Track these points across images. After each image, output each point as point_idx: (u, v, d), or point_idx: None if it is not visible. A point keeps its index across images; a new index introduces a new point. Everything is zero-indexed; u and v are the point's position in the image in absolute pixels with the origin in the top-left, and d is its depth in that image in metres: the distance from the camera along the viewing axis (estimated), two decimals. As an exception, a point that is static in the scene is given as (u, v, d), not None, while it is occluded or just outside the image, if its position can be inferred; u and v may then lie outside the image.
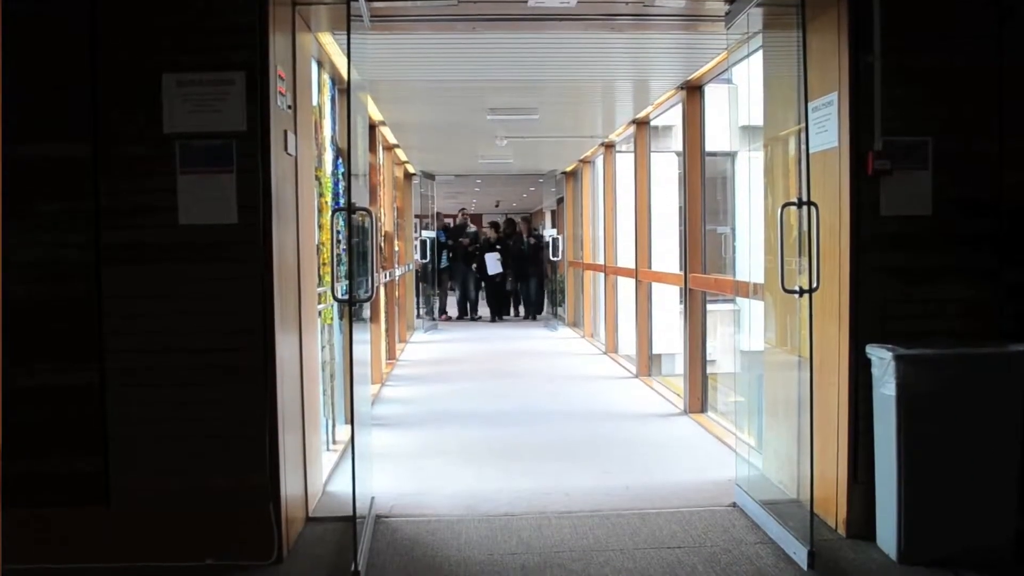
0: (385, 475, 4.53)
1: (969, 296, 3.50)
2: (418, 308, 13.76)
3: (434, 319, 12.66)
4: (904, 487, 3.27)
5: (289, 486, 3.46)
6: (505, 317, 13.45)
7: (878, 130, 3.44)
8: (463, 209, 14.54)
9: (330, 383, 5.16)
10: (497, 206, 14.02)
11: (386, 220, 9.12)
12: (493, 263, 13.01)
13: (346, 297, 3.49)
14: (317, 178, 4.72)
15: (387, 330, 8.92)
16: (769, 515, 3.65)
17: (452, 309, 13.77)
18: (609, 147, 9.46)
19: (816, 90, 3.65)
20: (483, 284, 13.49)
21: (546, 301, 13.75)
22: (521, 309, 13.75)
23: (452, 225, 14.05)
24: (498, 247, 13.06)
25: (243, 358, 3.26)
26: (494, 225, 13.31)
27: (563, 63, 5.57)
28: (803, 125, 3.48)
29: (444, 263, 13.10)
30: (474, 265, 13.27)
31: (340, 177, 5.45)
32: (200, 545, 3.27)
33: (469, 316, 13.39)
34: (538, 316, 13.12)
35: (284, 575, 3.25)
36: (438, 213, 13.80)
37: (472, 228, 14.05)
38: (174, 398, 3.27)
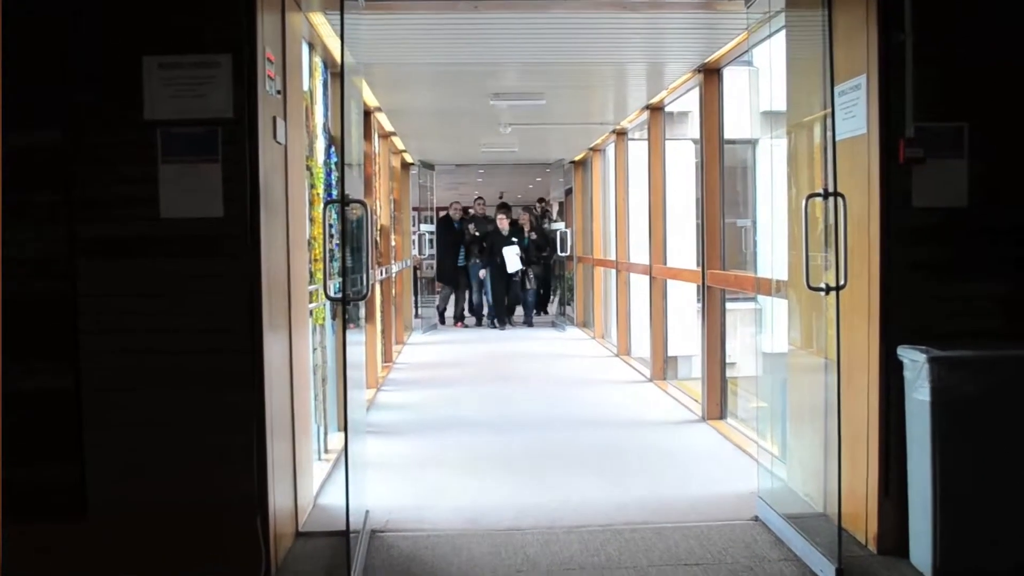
0: (381, 486, 4.52)
1: (1009, 293, 3.49)
2: (417, 308, 13.77)
3: (434, 325, 12.42)
4: (940, 499, 3.25)
5: (278, 498, 3.46)
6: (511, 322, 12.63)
7: (910, 115, 3.43)
8: (479, 198, 13.28)
9: (322, 388, 5.16)
10: (501, 198, 13.88)
11: (382, 213, 9.13)
12: (513, 258, 12.00)
13: (339, 295, 3.48)
14: (308, 168, 4.72)
15: (383, 331, 8.93)
16: (794, 530, 3.64)
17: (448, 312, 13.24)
18: (621, 134, 9.45)
19: (843, 72, 3.63)
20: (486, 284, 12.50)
21: (554, 300, 13.71)
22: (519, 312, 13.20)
23: (472, 213, 13.07)
24: (515, 240, 12.10)
25: (229, 361, 3.26)
26: (506, 213, 12.31)
27: (572, 44, 5.56)
28: (829, 110, 3.47)
29: (461, 260, 12.42)
30: (484, 261, 12.38)
31: (333, 167, 5.45)
32: (182, 560, 3.27)
33: (490, 322, 12.50)
34: (532, 323, 12.39)
35: (273, 593, 3.26)
36: (465, 206, 13.24)
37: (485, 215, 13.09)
38: (155, 402, 3.27)
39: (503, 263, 11.98)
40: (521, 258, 12.07)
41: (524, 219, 12.49)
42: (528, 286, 12.39)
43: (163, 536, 3.27)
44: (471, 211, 13.12)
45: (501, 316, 12.16)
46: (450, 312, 12.86)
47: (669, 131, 8.11)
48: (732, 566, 3.46)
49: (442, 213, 13.40)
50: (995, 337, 3.45)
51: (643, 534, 3.81)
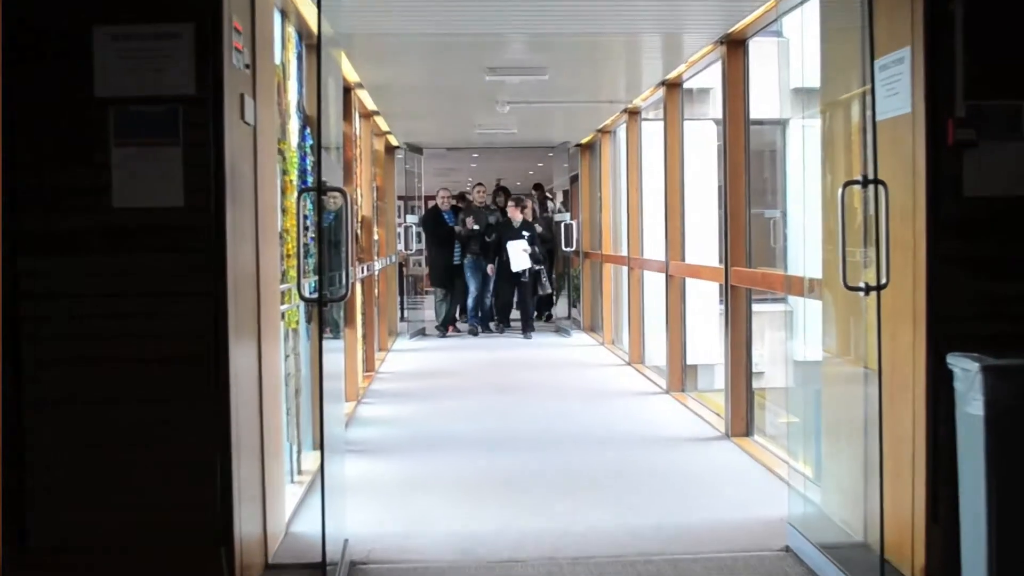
0: (362, 512, 4.52)
1: (1072, 294, 3.48)
2: (403, 310, 13.77)
3: (423, 333, 12.13)
4: (996, 526, 3.24)
5: (244, 525, 3.45)
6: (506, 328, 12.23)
7: (960, 92, 3.42)
8: (479, 184, 12.69)
9: (295, 401, 5.16)
10: (498, 186, 13.78)
11: (364, 203, 9.13)
12: (518, 255, 11.48)
13: (315, 296, 3.48)
14: (280, 152, 4.72)
15: (365, 336, 8.93)
16: (830, 561, 3.64)
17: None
18: (634, 114, 9.45)
19: (884, 44, 3.63)
20: (488, 284, 12.08)
21: (557, 303, 13.67)
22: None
23: (469, 202, 12.69)
24: (525, 233, 11.60)
25: (189, 370, 3.25)
26: (518, 202, 11.93)
27: (578, 13, 5.56)
28: (868, 87, 3.46)
29: (458, 257, 12.02)
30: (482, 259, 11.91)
31: (308, 151, 5.45)
32: (138, 597, 3.26)
33: (494, 326, 12.33)
34: (532, 329, 11.89)
35: (240, 633, 3.25)
36: (464, 194, 12.88)
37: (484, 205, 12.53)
38: (105, 418, 3.26)
39: (505, 261, 11.59)
40: (531, 255, 11.56)
41: (528, 208, 12.01)
42: (540, 291, 11.90)
43: (114, 569, 3.26)
44: (469, 199, 12.73)
45: (485, 320, 11.98)
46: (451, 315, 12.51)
47: (688, 110, 8.12)
48: (760, 602, 3.46)
49: (431, 204, 13.04)
50: (1057, 343, 3.45)
51: (658, 566, 3.80)
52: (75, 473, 3.27)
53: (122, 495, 3.27)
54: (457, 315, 12.48)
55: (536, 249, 11.61)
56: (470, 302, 12.09)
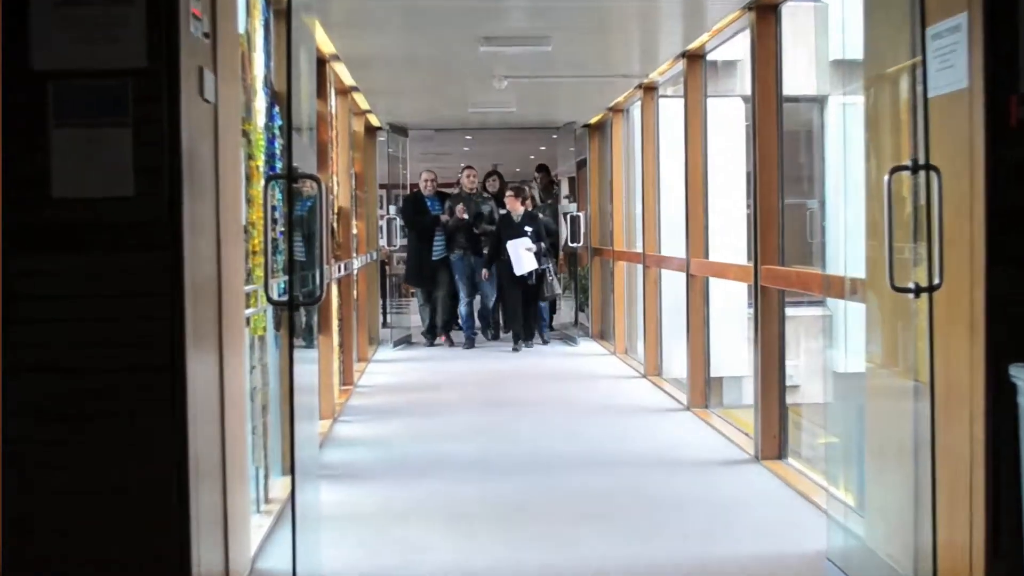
0: (338, 546, 4.51)
1: None
2: (385, 315, 13.77)
3: (408, 341, 11.95)
4: (1063, 562, 3.24)
5: (204, 560, 3.44)
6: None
7: (1025, 65, 3.42)
8: (468, 167, 12.28)
9: (262, 419, 5.15)
10: (494, 174, 13.67)
11: (341, 192, 9.13)
12: (522, 256, 11.04)
13: (285, 299, 3.47)
14: (245, 134, 4.71)
15: (342, 345, 8.93)
16: (874, 601, 3.63)
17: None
18: (650, 90, 9.45)
19: (938, 10, 3.62)
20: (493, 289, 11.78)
21: (561, 306, 13.62)
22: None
23: (460, 189, 12.29)
24: (528, 229, 11.17)
25: (141, 383, 3.24)
26: (518, 191, 11.51)
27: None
28: (919, 59, 3.46)
29: (440, 251, 11.79)
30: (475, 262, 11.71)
31: (277, 132, 5.44)
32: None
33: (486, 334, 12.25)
34: (529, 342, 11.56)
35: None
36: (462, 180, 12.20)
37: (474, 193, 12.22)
38: (46, 438, 3.25)
39: (508, 261, 11.20)
40: (536, 254, 11.18)
41: (528, 199, 11.63)
42: (548, 292, 11.39)
43: (56, 611, 3.25)
44: (461, 185, 12.23)
45: (518, 331, 11.37)
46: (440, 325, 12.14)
47: (712, 86, 8.14)
48: (795, 649, 3.46)
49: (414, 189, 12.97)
50: None
51: (679, 608, 3.81)
52: (8, 502, 3.26)
53: (66, 523, 3.26)
54: (439, 323, 12.02)
55: (543, 245, 11.27)
56: (462, 308, 11.82)
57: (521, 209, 11.29)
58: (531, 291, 11.27)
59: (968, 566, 3.59)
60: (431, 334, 11.97)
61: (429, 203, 11.90)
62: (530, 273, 11.09)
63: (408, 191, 13.11)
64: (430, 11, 6.46)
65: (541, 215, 11.83)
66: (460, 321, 11.93)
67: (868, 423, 4.27)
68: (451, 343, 11.90)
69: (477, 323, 12.29)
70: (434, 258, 11.77)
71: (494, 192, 12.50)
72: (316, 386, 6.10)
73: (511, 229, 11.22)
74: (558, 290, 11.69)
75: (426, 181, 12.21)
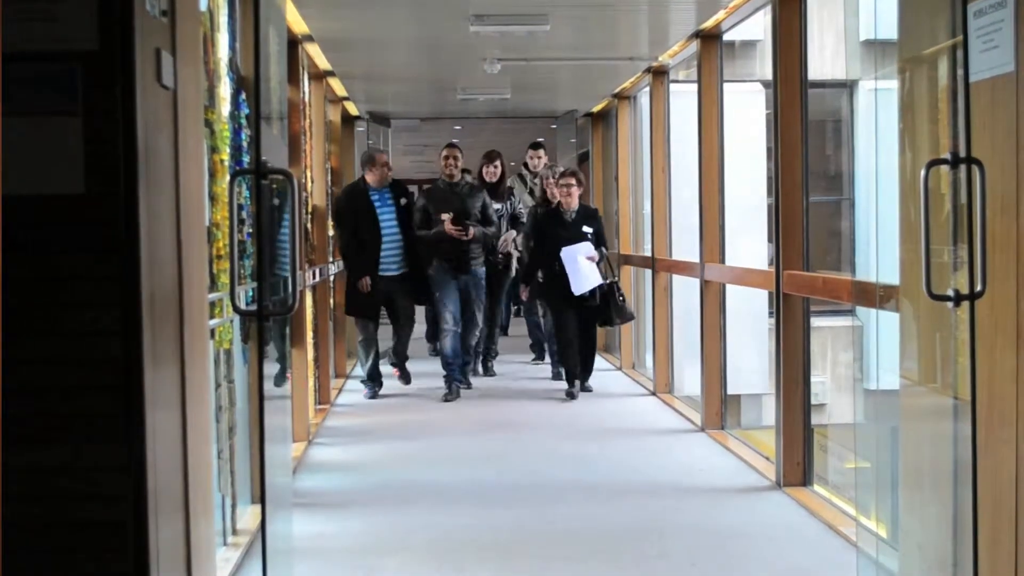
0: (314, 584, 4.51)
1: None
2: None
3: (373, 385, 9.58)
4: (1120, 601, 3.25)
5: (165, 602, 3.44)
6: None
7: (1078, 47, 3.43)
8: (453, 145, 9.77)
9: (228, 442, 5.15)
10: (494, 158, 13.43)
11: (315, 188, 9.12)
12: (580, 268, 8.94)
13: (254, 308, 3.47)
14: (208, 124, 4.71)
15: (317, 359, 8.91)
16: (910, 645, 3.63)
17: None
18: (659, 75, 9.46)
19: (981, -15, 3.63)
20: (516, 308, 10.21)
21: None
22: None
23: (439, 180, 9.64)
24: (587, 229, 9.09)
25: (92, 403, 3.24)
26: (574, 174, 9.26)
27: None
28: (960, 39, 3.46)
29: (394, 263, 9.20)
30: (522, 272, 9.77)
31: (244, 122, 5.44)
32: None
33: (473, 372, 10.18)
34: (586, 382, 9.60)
35: None
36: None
37: (467, 179, 9.92)
38: (-14, 466, 3.24)
39: (562, 272, 8.96)
40: (599, 264, 9.13)
41: (575, 187, 9.15)
42: (618, 316, 9.31)
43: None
44: (454, 174, 9.49)
45: (574, 369, 9.34)
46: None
47: (729, 70, 8.14)
48: None
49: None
50: None
51: (693, 652, 3.81)
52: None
53: (12, 557, 3.25)
54: (394, 356, 9.84)
55: (604, 252, 9.25)
56: (447, 342, 9.35)
57: (576, 203, 9.12)
58: (591, 315, 9.21)
59: (1015, 605, 3.59)
60: (374, 380, 9.58)
61: (374, 196, 9.25)
62: (593, 291, 9.03)
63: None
64: (415, -13, 6.47)
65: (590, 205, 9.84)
66: (446, 359, 9.42)
67: (902, 446, 4.27)
68: (406, 379, 9.88)
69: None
70: (384, 272, 9.21)
71: (492, 183, 10.39)
72: (289, 405, 6.10)
73: (563, 230, 9.05)
74: (629, 315, 9.51)
75: (382, 165, 9.36)
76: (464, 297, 9.41)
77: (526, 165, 11.12)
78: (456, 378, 9.40)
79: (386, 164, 9.43)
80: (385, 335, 9.71)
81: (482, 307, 9.64)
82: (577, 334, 9.19)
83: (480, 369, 10.46)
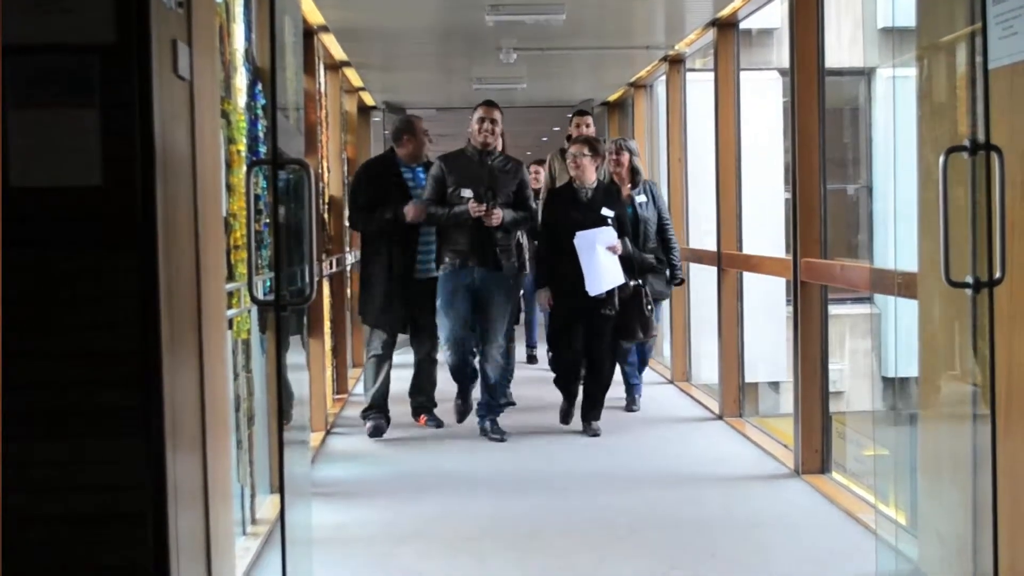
0: (332, 571, 4.51)
1: None
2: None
3: (379, 417, 7.44)
4: None
5: (185, 591, 3.45)
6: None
7: (1097, 32, 3.40)
8: (491, 104, 7.86)
9: (247, 431, 5.16)
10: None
11: (332, 179, 9.12)
12: (598, 261, 6.96)
13: (271, 298, 3.47)
14: (225, 115, 4.71)
15: (335, 349, 8.93)
16: (930, 633, 3.63)
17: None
18: (676, 63, 9.44)
19: (999, -30, 3.61)
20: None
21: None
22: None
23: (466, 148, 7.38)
24: (607, 212, 7.09)
25: (112, 396, 3.25)
26: (589, 143, 7.32)
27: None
28: (979, 25, 3.44)
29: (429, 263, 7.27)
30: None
31: (260, 113, 5.45)
32: None
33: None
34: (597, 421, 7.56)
35: None
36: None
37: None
38: (9, 457, 3.26)
39: (569, 270, 6.97)
40: (623, 258, 7.08)
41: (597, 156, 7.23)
42: (641, 329, 7.31)
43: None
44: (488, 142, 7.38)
45: (596, 394, 7.49)
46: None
47: (745, 58, 8.11)
48: None
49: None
50: None
51: (712, 641, 3.81)
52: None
53: (34, 549, 3.27)
54: (418, 396, 7.86)
55: (629, 245, 7.21)
56: (447, 355, 7.20)
57: (593, 177, 7.21)
58: (602, 325, 7.17)
59: (1035, 593, 3.58)
60: (380, 410, 7.48)
61: (406, 172, 7.43)
62: (613, 291, 7.08)
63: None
64: (430, -23, 6.47)
65: (636, 194, 7.79)
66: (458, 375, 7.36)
67: (921, 433, 4.26)
68: (437, 423, 7.69)
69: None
70: (421, 275, 7.29)
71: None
72: (308, 395, 6.11)
73: (576, 211, 7.14)
74: (655, 328, 7.68)
75: (424, 134, 7.65)
76: (481, 306, 7.13)
77: (569, 137, 8.33)
78: (466, 402, 7.45)
79: (426, 133, 7.65)
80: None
81: (504, 323, 7.33)
82: (583, 354, 7.29)
83: (487, 425, 7.34)
